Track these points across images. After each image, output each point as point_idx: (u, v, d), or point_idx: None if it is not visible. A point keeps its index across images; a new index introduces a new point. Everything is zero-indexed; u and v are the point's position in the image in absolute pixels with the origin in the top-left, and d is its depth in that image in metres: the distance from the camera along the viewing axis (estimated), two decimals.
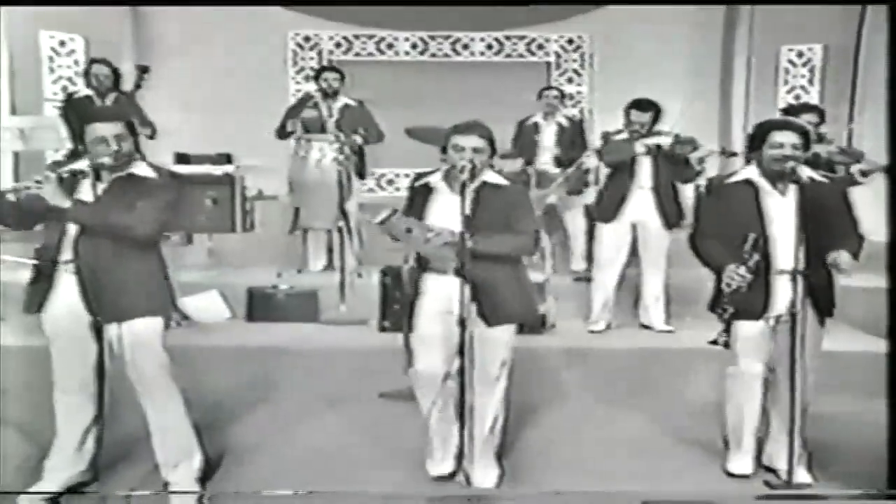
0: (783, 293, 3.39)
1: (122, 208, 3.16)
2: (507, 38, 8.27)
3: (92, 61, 6.25)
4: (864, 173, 4.62)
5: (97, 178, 3.23)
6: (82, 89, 6.14)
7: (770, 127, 3.52)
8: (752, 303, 3.40)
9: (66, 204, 3.11)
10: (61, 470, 3.34)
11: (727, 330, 3.49)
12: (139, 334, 3.24)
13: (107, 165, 3.20)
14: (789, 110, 4.63)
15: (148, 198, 3.20)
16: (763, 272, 3.38)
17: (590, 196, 5.94)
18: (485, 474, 3.45)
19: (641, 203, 5.32)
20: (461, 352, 3.15)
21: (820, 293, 3.39)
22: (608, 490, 3.47)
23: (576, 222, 6.44)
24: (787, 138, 3.40)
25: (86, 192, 3.22)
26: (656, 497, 3.42)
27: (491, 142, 3.35)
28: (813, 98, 7.56)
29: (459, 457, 3.34)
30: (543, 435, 4.12)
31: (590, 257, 5.75)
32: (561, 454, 3.90)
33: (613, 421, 4.36)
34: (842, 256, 3.32)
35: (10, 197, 3.17)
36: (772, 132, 3.45)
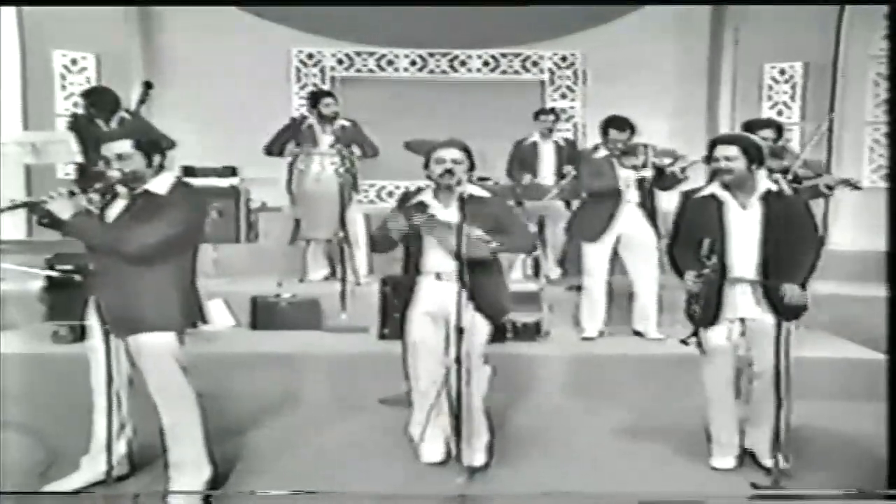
0: (740, 300, 3.63)
1: (130, 226, 3.22)
2: (503, 55, 8.44)
3: (83, 94, 6.20)
4: (830, 187, 4.81)
5: (114, 196, 3.35)
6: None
7: (715, 142, 3.75)
8: (708, 308, 3.63)
9: (65, 216, 3.13)
10: (96, 463, 3.51)
11: (696, 333, 3.71)
12: (148, 347, 3.33)
13: (112, 183, 3.29)
14: (748, 126, 4.80)
15: (155, 216, 3.22)
16: (719, 279, 3.59)
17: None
18: (475, 457, 3.69)
19: (628, 217, 5.46)
20: (458, 358, 3.43)
21: (779, 300, 3.56)
22: (601, 490, 3.61)
23: (557, 233, 6.57)
24: (722, 152, 3.62)
25: (112, 210, 3.36)
26: (650, 498, 3.55)
27: (468, 154, 3.67)
28: (794, 113, 7.78)
29: (449, 445, 3.64)
30: (537, 439, 4.26)
31: (578, 267, 5.86)
32: (552, 453, 4.06)
33: (604, 424, 4.50)
34: (792, 290, 3.53)
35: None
36: (716, 146, 3.69)
